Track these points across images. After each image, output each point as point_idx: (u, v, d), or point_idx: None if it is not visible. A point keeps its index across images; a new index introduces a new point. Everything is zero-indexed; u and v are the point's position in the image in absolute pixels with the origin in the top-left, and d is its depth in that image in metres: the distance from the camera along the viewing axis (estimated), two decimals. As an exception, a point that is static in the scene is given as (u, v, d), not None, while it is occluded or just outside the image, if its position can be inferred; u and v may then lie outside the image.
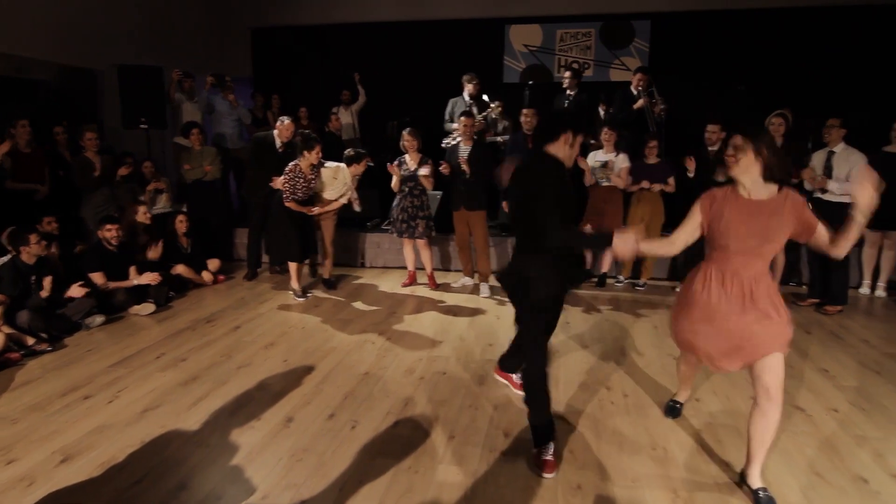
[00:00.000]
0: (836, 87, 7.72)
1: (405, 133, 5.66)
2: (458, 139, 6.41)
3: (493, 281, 6.02)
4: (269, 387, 3.60)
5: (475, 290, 5.81)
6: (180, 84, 7.16)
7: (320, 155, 5.34)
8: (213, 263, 6.17)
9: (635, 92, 6.66)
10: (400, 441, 2.96)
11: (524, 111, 5.59)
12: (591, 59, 8.73)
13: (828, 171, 5.06)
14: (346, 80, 8.33)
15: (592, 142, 6.12)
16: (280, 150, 5.92)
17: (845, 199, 4.97)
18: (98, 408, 3.32)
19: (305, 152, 5.22)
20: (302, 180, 5.27)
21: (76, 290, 4.72)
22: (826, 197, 5.12)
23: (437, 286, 5.94)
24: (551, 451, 2.73)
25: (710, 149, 5.47)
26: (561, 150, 2.73)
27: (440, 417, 3.20)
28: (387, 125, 8.27)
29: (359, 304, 5.39)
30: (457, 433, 3.03)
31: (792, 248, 6.02)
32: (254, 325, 4.80)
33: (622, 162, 5.71)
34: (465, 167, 5.50)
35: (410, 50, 9.02)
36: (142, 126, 6.92)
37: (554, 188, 2.60)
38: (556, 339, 4.48)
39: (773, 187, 2.38)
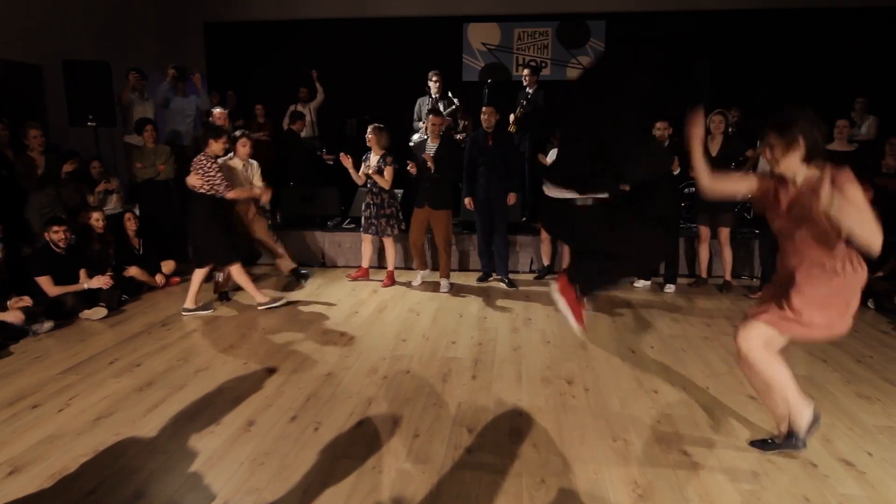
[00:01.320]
0: (784, 87, 8.01)
1: (368, 129, 5.70)
2: (426, 137, 6.46)
3: (453, 278, 6.05)
4: (228, 390, 3.52)
5: (436, 287, 5.82)
6: (134, 87, 6.92)
7: (226, 146, 5.07)
8: (168, 265, 6.00)
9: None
10: (364, 441, 2.94)
11: (484, 109, 5.67)
12: (549, 58, 8.85)
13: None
14: (303, 78, 8.22)
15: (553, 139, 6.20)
16: None
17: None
18: (48, 417, 3.19)
19: (212, 141, 4.88)
20: (224, 170, 4.99)
21: (12, 316, 4.39)
22: None
23: (393, 284, 5.94)
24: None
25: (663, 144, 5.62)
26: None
27: (404, 416, 3.20)
28: (346, 123, 8.20)
29: (320, 305, 5.33)
30: (421, 431, 3.03)
31: (744, 241, 6.24)
32: (211, 328, 4.69)
33: None
34: (430, 164, 5.51)
35: (370, 47, 8.96)
36: (89, 124, 6.66)
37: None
38: (518, 335, 4.53)
39: (812, 169, 2.41)
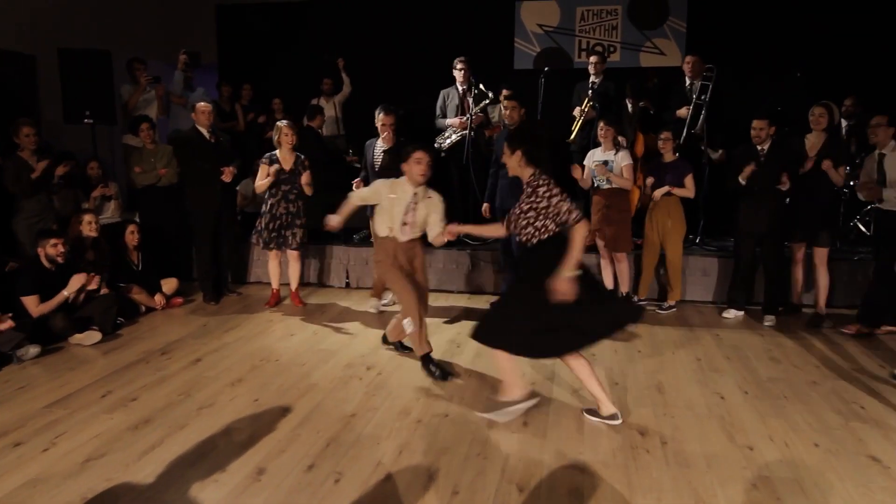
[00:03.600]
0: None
1: (284, 125, 5.87)
2: (454, 136, 6.49)
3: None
4: (236, 432, 3.58)
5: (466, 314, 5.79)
6: (145, 89, 7.20)
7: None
8: (170, 283, 6.17)
9: (688, 81, 6.75)
10: (393, 498, 2.93)
11: (504, 102, 5.58)
12: (618, 42, 8.80)
13: (881, 176, 5.10)
14: (328, 67, 8.37)
15: (622, 137, 6.15)
16: (212, 141, 6.01)
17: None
18: (31, 456, 3.29)
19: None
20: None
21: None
22: (883, 206, 5.15)
23: (303, 304, 6.21)
24: None
25: (759, 147, 5.50)
26: None
27: (441, 469, 3.18)
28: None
29: (343, 333, 5.38)
30: (461, 488, 3.01)
31: (857, 264, 6.05)
32: (218, 358, 4.78)
33: (622, 160, 5.75)
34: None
35: (404, 31, 9.04)
36: (86, 121, 6.91)
37: None
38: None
39: None
